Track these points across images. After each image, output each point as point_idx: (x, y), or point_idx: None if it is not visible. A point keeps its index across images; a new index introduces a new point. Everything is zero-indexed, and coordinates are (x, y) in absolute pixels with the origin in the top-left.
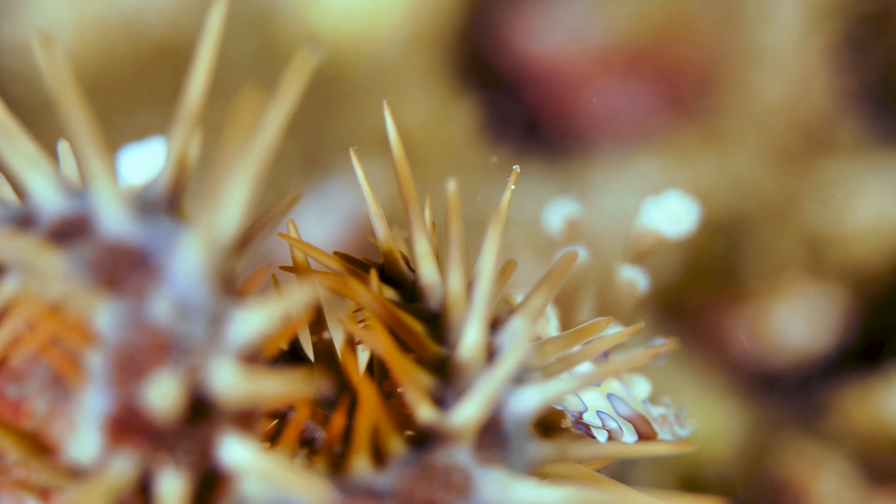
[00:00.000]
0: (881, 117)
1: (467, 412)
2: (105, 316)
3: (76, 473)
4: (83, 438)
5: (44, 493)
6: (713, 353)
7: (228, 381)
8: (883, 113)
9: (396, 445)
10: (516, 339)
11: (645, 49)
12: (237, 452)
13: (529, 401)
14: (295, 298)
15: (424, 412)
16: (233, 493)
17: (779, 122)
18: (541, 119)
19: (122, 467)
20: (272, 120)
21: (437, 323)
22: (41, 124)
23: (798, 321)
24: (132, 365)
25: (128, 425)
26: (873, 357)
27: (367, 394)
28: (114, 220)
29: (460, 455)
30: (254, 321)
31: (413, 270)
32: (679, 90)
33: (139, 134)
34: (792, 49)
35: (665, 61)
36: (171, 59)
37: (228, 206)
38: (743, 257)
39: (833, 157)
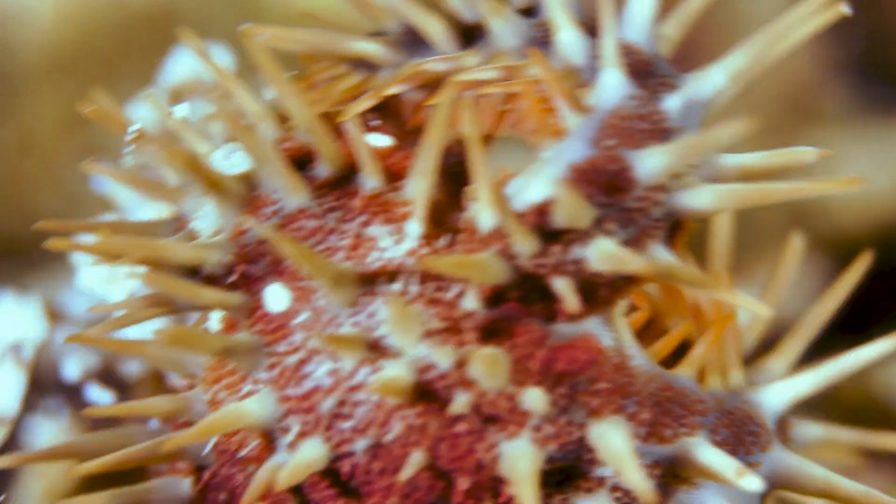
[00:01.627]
0: (866, 87)
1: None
2: (612, 82)
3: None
4: (531, 184)
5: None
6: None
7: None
8: (868, 83)
9: (715, 380)
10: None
11: None
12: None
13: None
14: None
15: (738, 376)
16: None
17: (764, 91)
18: None
19: (573, 209)
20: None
21: None
22: (24, 92)
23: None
24: (628, 133)
25: (592, 177)
26: (858, 329)
27: (724, 318)
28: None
29: (768, 423)
30: (751, 158)
31: None
32: None
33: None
34: (776, 17)
35: None
36: (151, 28)
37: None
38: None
39: (818, 126)
